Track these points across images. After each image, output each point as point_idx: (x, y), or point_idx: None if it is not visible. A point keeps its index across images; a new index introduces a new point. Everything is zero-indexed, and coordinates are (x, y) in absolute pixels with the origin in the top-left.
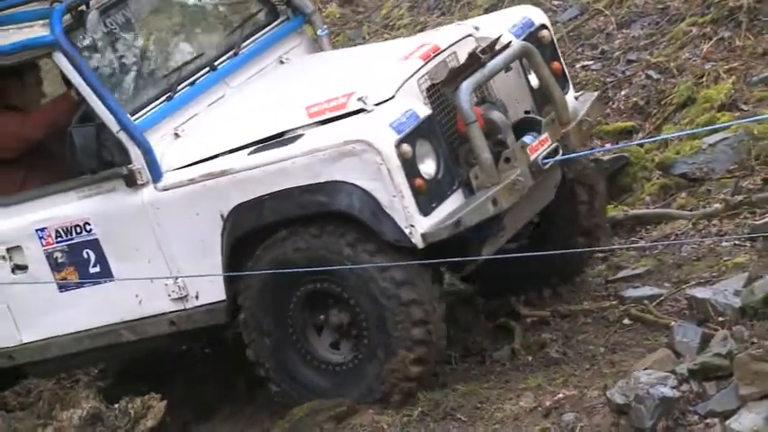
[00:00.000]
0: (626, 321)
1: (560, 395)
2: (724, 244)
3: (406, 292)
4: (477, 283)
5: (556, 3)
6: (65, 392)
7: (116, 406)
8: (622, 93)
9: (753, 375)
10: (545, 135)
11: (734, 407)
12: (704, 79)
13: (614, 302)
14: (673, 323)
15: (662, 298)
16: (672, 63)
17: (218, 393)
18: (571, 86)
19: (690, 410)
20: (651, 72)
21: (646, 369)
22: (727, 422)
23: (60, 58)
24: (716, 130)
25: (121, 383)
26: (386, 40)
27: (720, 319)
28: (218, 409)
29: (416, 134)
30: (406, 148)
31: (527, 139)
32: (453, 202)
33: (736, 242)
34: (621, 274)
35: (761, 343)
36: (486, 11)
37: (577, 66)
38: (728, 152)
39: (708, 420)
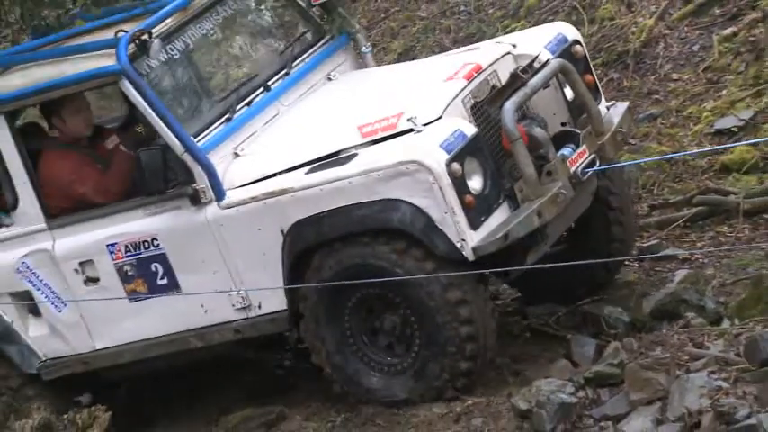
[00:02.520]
0: (528, 335)
1: (469, 402)
2: None
3: (453, 293)
4: (521, 288)
5: None
6: (19, 404)
7: (65, 417)
8: None
9: (642, 382)
10: (583, 147)
11: (625, 411)
12: None
13: (518, 317)
14: (570, 336)
15: (560, 313)
16: None
17: (158, 404)
18: (603, 96)
19: (586, 414)
20: None
21: (546, 378)
22: (619, 425)
23: (127, 86)
24: None
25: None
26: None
27: (612, 331)
28: (158, 419)
29: (465, 153)
30: (455, 167)
31: (566, 151)
32: (500, 214)
33: (627, 263)
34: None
35: (648, 353)
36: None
37: None
38: None
39: (602, 423)
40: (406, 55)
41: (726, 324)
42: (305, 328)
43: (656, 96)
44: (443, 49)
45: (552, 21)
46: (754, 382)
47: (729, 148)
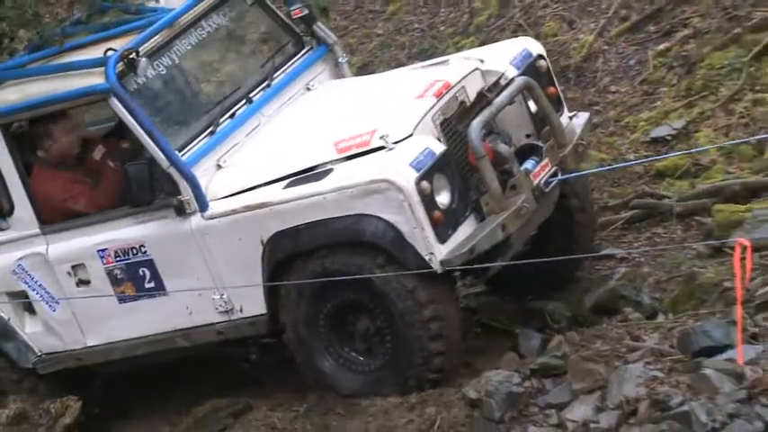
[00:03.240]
0: (478, 329)
1: (423, 392)
2: None
3: (421, 293)
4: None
5: None
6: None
7: (40, 407)
8: None
9: (583, 373)
10: (546, 160)
11: (568, 399)
12: None
13: (469, 313)
14: (517, 330)
15: (508, 309)
16: None
17: (131, 396)
18: (565, 107)
19: (532, 403)
20: None
21: (495, 369)
22: (563, 412)
23: (115, 103)
24: None
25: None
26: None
27: (556, 326)
28: (132, 411)
29: (433, 170)
30: (424, 185)
31: (529, 165)
32: (467, 227)
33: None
34: (474, 289)
35: (589, 346)
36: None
37: None
38: None
39: (546, 411)
40: (365, 69)
41: (661, 318)
42: (285, 331)
43: (596, 107)
44: (400, 64)
45: (499, 38)
46: (686, 371)
47: (701, 151)
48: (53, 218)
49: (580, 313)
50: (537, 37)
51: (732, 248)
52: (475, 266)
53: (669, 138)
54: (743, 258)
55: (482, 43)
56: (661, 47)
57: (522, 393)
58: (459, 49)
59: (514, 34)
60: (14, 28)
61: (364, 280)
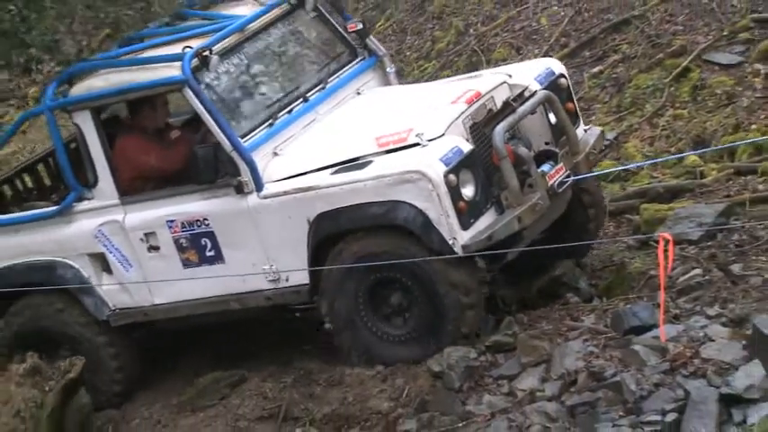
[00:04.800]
0: None
1: (393, 366)
2: None
3: (453, 272)
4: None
5: None
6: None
7: (54, 364)
8: None
9: (530, 349)
10: (560, 165)
11: (517, 372)
12: None
13: None
14: None
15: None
16: None
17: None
18: (581, 121)
19: (486, 375)
20: None
21: (455, 346)
22: (513, 383)
23: (188, 93)
24: None
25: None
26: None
27: (506, 308)
28: (144, 382)
29: (460, 166)
30: (452, 177)
31: (546, 168)
32: (487, 218)
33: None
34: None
35: (535, 326)
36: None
37: None
38: None
39: (499, 381)
40: None
41: (596, 302)
42: (323, 299)
43: None
44: None
45: (457, 61)
46: (618, 347)
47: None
48: (129, 182)
49: (528, 297)
50: (489, 61)
51: (656, 242)
52: (492, 251)
53: (603, 147)
54: (666, 250)
55: (442, 66)
56: (595, 69)
57: (477, 366)
58: (422, 72)
59: (470, 59)
60: (41, 55)
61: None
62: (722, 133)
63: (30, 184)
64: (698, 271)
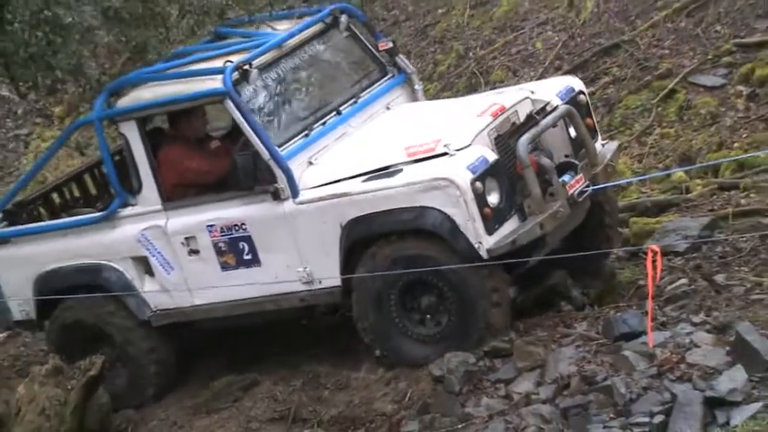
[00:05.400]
0: None
1: (397, 370)
2: None
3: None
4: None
5: None
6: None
7: (74, 365)
8: None
9: (526, 354)
10: (580, 175)
11: (513, 376)
12: None
13: None
14: None
15: None
16: None
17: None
18: (599, 135)
19: (485, 379)
20: None
21: (455, 352)
22: (509, 386)
23: (229, 105)
24: None
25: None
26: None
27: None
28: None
29: (486, 174)
30: (478, 185)
31: (566, 178)
32: (511, 224)
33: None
34: None
35: (531, 332)
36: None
37: None
38: None
39: (496, 385)
40: None
41: (588, 310)
42: (355, 300)
43: None
44: None
45: (457, 83)
46: (609, 353)
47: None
48: (172, 188)
49: (524, 306)
50: (487, 83)
51: (645, 253)
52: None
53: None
54: (654, 261)
55: (443, 88)
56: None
57: (476, 371)
58: (425, 93)
59: (469, 81)
60: (66, 77)
61: (435, 263)
62: (707, 151)
63: (76, 193)
64: (684, 281)
